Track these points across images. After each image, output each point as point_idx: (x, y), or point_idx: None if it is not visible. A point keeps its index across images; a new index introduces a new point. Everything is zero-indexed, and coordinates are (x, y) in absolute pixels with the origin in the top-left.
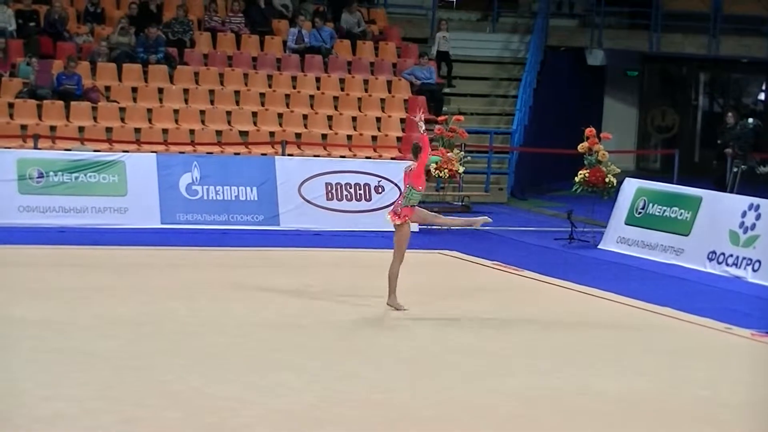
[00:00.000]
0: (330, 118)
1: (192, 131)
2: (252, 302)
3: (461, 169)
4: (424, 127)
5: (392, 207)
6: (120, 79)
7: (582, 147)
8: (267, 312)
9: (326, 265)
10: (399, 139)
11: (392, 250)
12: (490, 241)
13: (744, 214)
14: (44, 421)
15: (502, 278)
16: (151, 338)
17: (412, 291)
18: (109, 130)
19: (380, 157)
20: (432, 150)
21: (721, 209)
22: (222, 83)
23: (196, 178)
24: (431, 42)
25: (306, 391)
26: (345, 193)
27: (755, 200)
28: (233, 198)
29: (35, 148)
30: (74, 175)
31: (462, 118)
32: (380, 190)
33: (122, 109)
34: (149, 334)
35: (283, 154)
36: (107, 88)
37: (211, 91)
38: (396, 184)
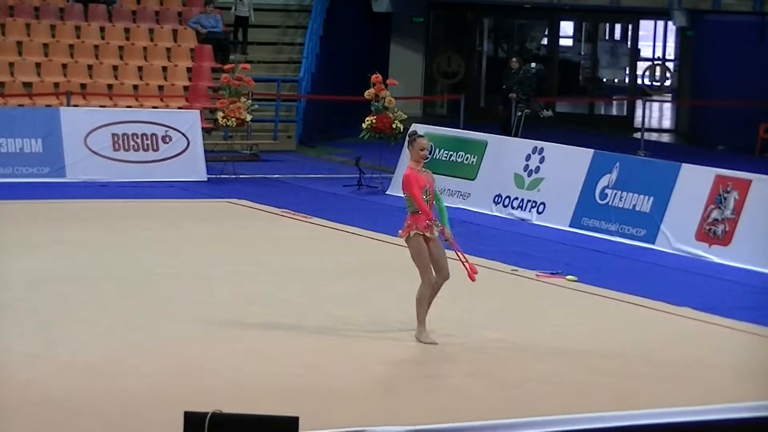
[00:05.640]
0: (115, 68)
1: None
2: (40, 256)
3: (249, 118)
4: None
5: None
6: None
7: (369, 93)
8: (56, 265)
9: (115, 217)
10: (186, 88)
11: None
12: (278, 189)
13: (528, 158)
14: None
15: (291, 226)
16: None
17: (204, 240)
18: None
19: (167, 106)
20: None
21: (506, 153)
22: (4, 34)
23: None
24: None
25: (98, 344)
26: (132, 143)
27: (539, 143)
28: (17, 150)
29: None
30: None
31: (249, 66)
32: (168, 140)
33: None
34: None
35: (68, 105)
36: None
37: None
38: (183, 134)
